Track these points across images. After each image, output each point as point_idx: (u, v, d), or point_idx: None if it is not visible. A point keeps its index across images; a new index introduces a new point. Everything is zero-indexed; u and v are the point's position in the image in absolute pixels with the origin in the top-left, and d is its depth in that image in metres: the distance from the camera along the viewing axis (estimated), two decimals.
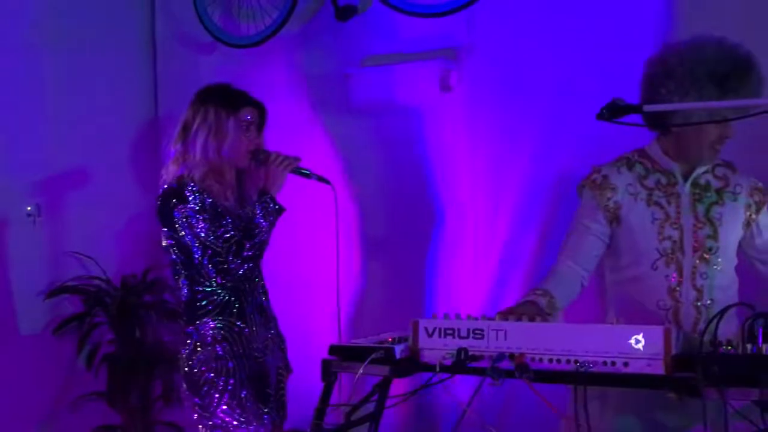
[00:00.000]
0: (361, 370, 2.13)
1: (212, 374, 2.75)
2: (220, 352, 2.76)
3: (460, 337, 2.11)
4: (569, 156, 3.26)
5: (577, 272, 2.59)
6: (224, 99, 2.84)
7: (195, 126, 2.82)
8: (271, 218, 2.83)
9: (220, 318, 2.79)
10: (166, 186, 2.82)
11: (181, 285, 2.84)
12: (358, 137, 3.85)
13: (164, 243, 2.84)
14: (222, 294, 2.79)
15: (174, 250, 2.81)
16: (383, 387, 2.23)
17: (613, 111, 2.20)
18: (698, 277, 2.51)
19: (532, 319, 2.12)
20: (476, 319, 2.16)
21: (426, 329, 2.15)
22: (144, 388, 4.09)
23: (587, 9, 3.33)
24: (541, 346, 2.04)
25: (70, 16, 4.17)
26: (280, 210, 2.86)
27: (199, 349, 2.77)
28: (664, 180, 2.57)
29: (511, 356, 2.04)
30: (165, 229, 2.81)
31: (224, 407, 2.74)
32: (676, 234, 2.52)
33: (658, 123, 2.52)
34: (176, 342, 4.20)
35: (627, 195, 2.57)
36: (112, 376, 4.04)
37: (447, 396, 2.30)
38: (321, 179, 2.94)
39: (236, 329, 2.79)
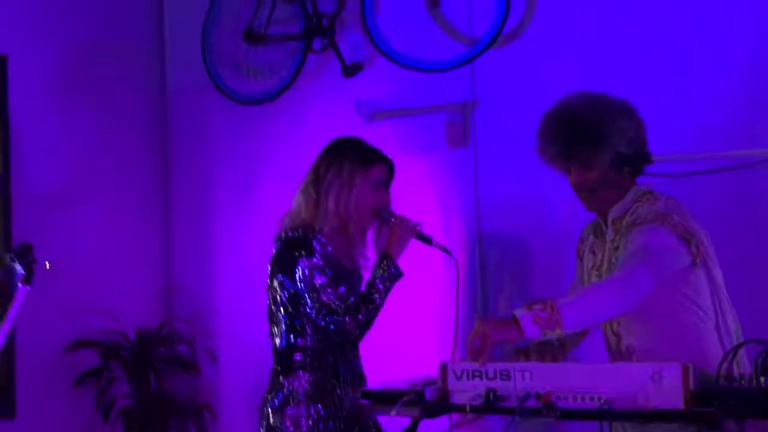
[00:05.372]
0: (394, 412, 2.23)
1: None
2: (313, 413, 2.70)
3: (488, 379, 2.22)
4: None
5: None
6: (358, 154, 2.80)
7: (328, 178, 2.77)
8: (389, 283, 2.75)
9: (314, 373, 2.74)
10: (291, 233, 2.77)
11: (277, 333, 2.79)
12: None
13: (276, 290, 2.78)
14: (319, 349, 2.74)
15: (283, 300, 2.76)
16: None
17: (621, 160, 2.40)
18: (614, 323, 2.49)
19: (555, 360, 2.23)
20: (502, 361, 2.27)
21: (454, 372, 2.26)
22: None
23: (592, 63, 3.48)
24: (565, 386, 2.14)
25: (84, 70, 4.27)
26: (399, 275, 2.77)
27: (290, 402, 2.72)
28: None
29: (538, 396, 2.14)
30: (280, 276, 2.76)
31: None
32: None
33: None
34: (189, 395, 4.32)
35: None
36: (129, 429, 4.10)
37: None
38: (443, 249, 2.82)
39: (329, 387, 2.74)
